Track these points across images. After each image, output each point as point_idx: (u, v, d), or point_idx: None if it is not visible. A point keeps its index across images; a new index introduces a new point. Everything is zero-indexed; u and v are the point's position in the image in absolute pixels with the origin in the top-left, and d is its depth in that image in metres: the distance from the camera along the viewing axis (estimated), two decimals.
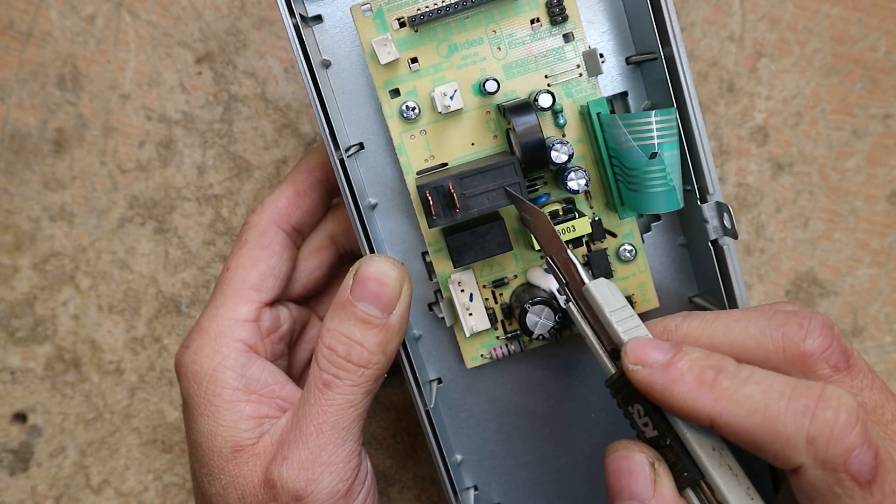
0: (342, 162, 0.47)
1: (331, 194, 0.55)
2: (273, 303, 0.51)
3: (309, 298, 0.56)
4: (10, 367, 0.65)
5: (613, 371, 0.42)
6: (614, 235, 0.52)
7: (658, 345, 0.40)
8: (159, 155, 0.64)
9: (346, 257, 0.56)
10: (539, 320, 0.48)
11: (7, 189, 0.64)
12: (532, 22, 0.49)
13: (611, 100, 0.52)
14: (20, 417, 0.66)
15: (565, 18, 0.49)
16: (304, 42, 0.46)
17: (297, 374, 0.56)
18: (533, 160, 0.46)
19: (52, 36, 0.63)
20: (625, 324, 0.42)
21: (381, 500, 0.66)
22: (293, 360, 0.55)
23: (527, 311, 0.48)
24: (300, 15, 0.47)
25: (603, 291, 0.42)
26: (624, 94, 0.52)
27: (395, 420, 0.66)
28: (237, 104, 0.63)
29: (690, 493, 0.39)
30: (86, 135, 0.64)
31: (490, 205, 0.46)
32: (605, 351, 0.42)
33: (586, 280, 0.43)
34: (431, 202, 0.46)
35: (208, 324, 0.49)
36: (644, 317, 0.53)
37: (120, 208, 0.64)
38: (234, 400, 0.47)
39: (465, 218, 0.46)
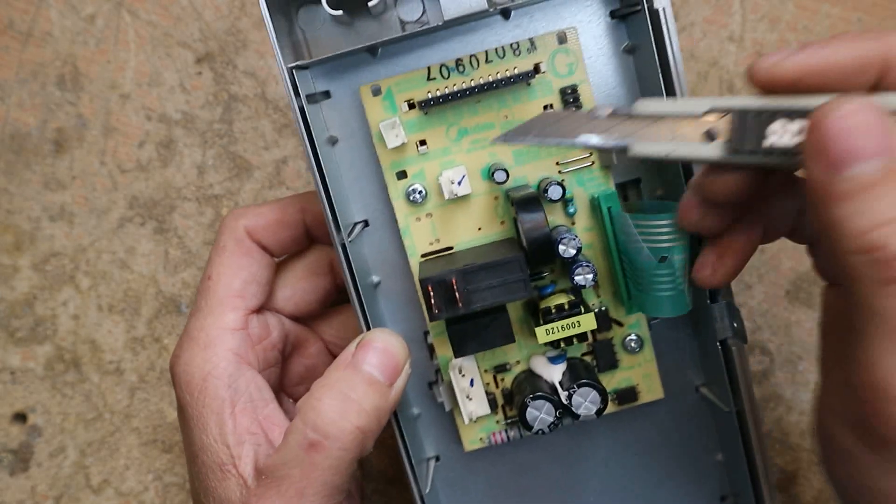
0: (344, 247, 0.47)
1: (311, 240, 0.54)
2: (260, 310, 0.51)
3: (302, 319, 0.56)
4: (10, 367, 0.66)
5: (728, 138, 0.37)
6: (620, 325, 0.51)
7: (781, 49, 0.36)
8: (159, 155, 0.64)
9: (343, 289, 0.55)
10: (539, 415, 0.48)
11: (7, 189, 0.64)
12: (545, 108, 0.49)
13: (623, 185, 0.51)
14: (20, 417, 0.66)
15: (579, 106, 0.48)
16: (309, 125, 0.45)
17: (292, 385, 0.55)
18: (539, 255, 0.46)
19: (52, 36, 0.63)
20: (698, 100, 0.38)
21: (380, 500, 0.66)
22: (286, 371, 0.55)
23: (527, 406, 0.48)
24: (306, 96, 0.46)
25: (651, 102, 0.39)
26: (636, 181, 0.51)
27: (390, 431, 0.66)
28: (237, 104, 0.63)
29: None
30: (86, 135, 0.64)
31: (493, 300, 0.45)
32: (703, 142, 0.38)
33: (633, 104, 0.40)
34: (433, 296, 0.45)
35: (197, 333, 0.49)
36: (648, 407, 0.53)
37: (120, 208, 0.64)
38: (220, 412, 0.47)
39: (466, 312, 0.46)
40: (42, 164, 0.64)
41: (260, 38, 0.63)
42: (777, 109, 0.35)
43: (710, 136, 0.37)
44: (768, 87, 0.36)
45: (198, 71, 0.63)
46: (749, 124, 0.36)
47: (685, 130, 0.38)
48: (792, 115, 0.35)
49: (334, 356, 0.55)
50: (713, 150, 0.37)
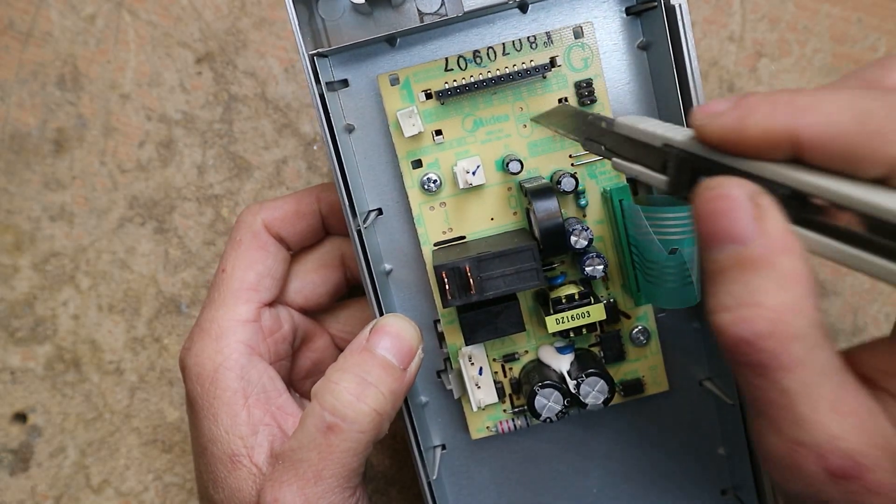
0: (360, 233, 0.47)
1: (327, 230, 0.54)
2: (272, 303, 0.51)
3: (310, 312, 0.56)
4: (10, 367, 0.65)
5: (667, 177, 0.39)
6: (628, 317, 0.52)
7: (723, 100, 0.35)
8: (159, 155, 0.64)
9: (353, 283, 0.56)
10: (548, 403, 0.48)
11: (7, 189, 0.64)
12: (560, 101, 0.49)
13: (634, 180, 0.51)
14: (20, 417, 0.66)
15: (594, 100, 0.49)
16: (328, 112, 0.46)
17: (298, 378, 0.55)
18: (552, 245, 0.46)
19: (52, 36, 0.63)
20: (669, 127, 0.40)
21: (381, 500, 0.66)
22: (294, 365, 0.55)
23: (536, 394, 0.48)
24: (325, 84, 0.47)
25: (635, 118, 0.41)
26: None
27: (396, 420, 0.66)
28: (237, 104, 0.63)
29: (801, 230, 0.33)
30: (86, 135, 0.64)
31: (506, 288, 0.46)
32: (657, 171, 0.40)
33: (616, 118, 0.42)
34: (447, 282, 0.46)
35: (209, 325, 0.49)
36: (653, 399, 0.54)
37: (120, 208, 0.64)
38: (232, 403, 0.47)
39: (480, 300, 0.46)
40: (42, 164, 0.64)
41: (260, 38, 0.63)
42: (709, 161, 0.36)
43: (664, 167, 0.39)
44: (701, 141, 0.36)
45: (198, 71, 0.63)
46: (686, 168, 0.37)
47: (650, 157, 0.40)
48: (712, 172, 0.35)
49: (341, 350, 0.56)
50: (663, 183, 0.39)
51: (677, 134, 0.38)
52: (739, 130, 0.33)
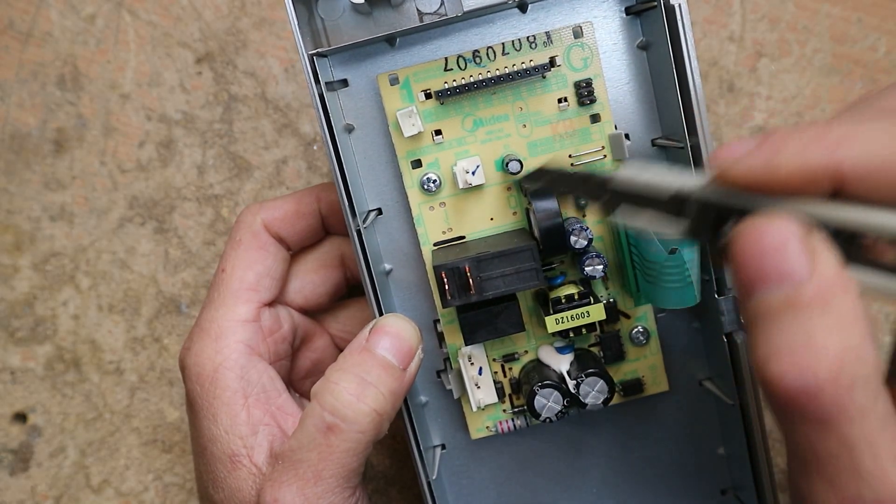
0: (359, 233, 0.47)
1: (327, 230, 0.54)
2: (272, 303, 0.51)
3: (310, 312, 0.56)
4: (10, 367, 0.65)
5: (689, 217, 0.36)
6: (628, 317, 0.52)
7: (743, 141, 0.33)
8: (159, 155, 0.64)
9: (353, 283, 0.56)
10: (547, 403, 0.48)
11: (7, 189, 0.64)
12: (559, 101, 0.49)
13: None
14: (20, 417, 0.66)
15: (593, 100, 0.49)
16: (328, 112, 0.46)
17: (298, 378, 0.55)
18: (551, 245, 0.46)
19: (52, 36, 0.63)
20: (676, 174, 0.37)
21: (381, 500, 0.66)
22: (294, 365, 0.55)
23: (535, 394, 0.48)
24: (325, 83, 0.47)
25: (634, 169, 0.38)
26: None
27: (396, 420, 0.65)
28: (237, 104, 0.63)
29: (856, 269, 0.31)
30: (86, 135, 0.64)
31: (506, 288, 0.46)
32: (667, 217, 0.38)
33: (613, 174, 0.39)
34: (447, 282, 0.46)
35: (208, 325, 0.49)
36: (653, 399, 0.54)
37: (120, 208, 0.64)
38: (232, 403, 0.47)
39: (479, 300, 0.46)
40: (42, 164, 0.64)
41: (260, 37, 0.63)
42: (730, 208, 0.34)
43: (678, 212, 0.36)
44: (725, 185, 0.34)
45: (198, 71, 0.63)
46: (706, 216, 0.35)
47: (661, 204, 0.37)
48: (739, 217, 0.33)
49: (341, 350, 0.56)
50: (679, 229, 0.36)
51: (688, 181, 0.36)
52: (771, 170, 0.31)
